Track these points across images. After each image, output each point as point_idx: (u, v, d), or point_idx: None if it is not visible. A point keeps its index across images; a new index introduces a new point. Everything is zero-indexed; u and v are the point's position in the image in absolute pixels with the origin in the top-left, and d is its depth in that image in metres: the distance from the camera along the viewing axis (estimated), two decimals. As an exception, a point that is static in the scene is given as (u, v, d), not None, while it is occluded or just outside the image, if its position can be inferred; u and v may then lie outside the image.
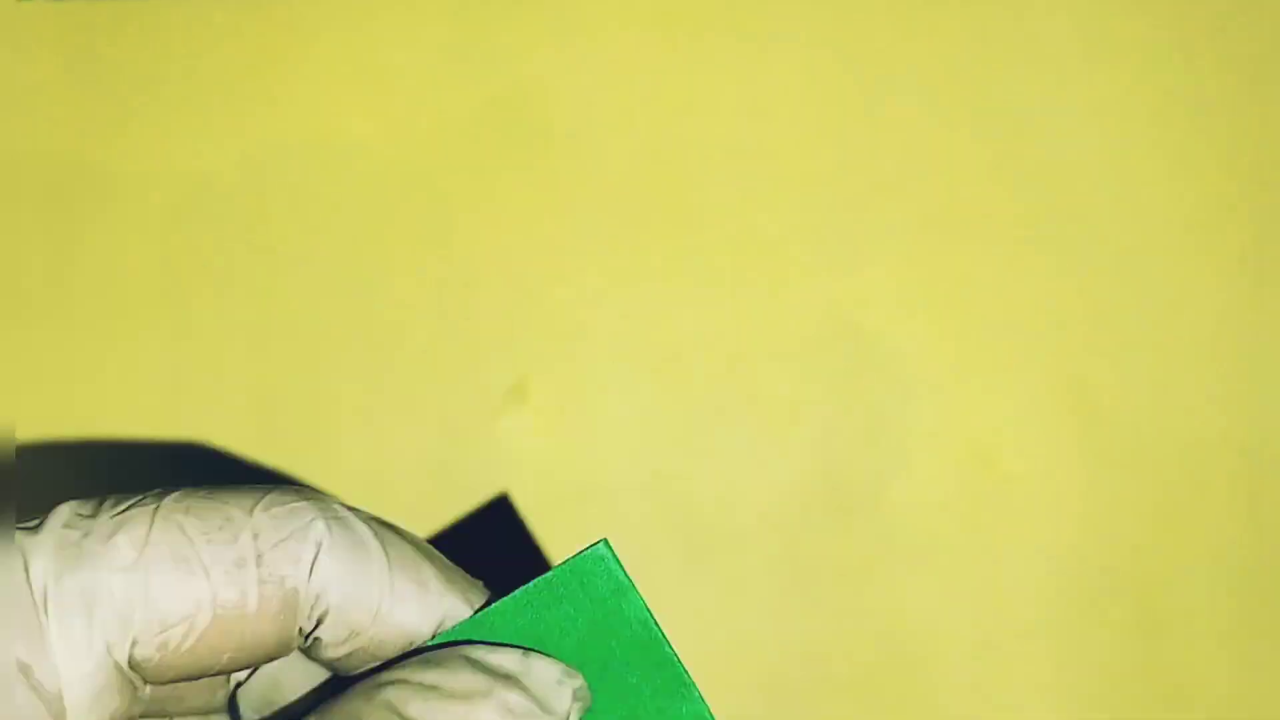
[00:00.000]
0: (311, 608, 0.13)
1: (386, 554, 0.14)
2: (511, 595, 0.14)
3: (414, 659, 0.14)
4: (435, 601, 0.14)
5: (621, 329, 0.26)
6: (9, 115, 0.26)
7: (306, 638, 0.14)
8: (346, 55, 0.27)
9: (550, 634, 0.14)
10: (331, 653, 0.14)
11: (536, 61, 0.26)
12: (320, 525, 0.13)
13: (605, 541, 0.14)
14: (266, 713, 0.15)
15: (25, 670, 0.12)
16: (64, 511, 0.13)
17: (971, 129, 0.27)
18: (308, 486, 0.14)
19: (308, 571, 0.13)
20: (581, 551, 0.14)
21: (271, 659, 0.14)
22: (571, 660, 0.14)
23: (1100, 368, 0.26)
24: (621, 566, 0.14)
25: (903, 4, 0.27)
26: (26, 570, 0.12)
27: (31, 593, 0.12)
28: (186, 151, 0.26)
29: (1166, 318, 0.26)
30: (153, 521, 0.13)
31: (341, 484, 0.25)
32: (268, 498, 0.14)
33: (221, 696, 0.15)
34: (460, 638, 0.14)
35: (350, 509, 0.14)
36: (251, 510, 0.13)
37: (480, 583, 0.15)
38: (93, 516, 0.13)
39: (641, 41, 0.27)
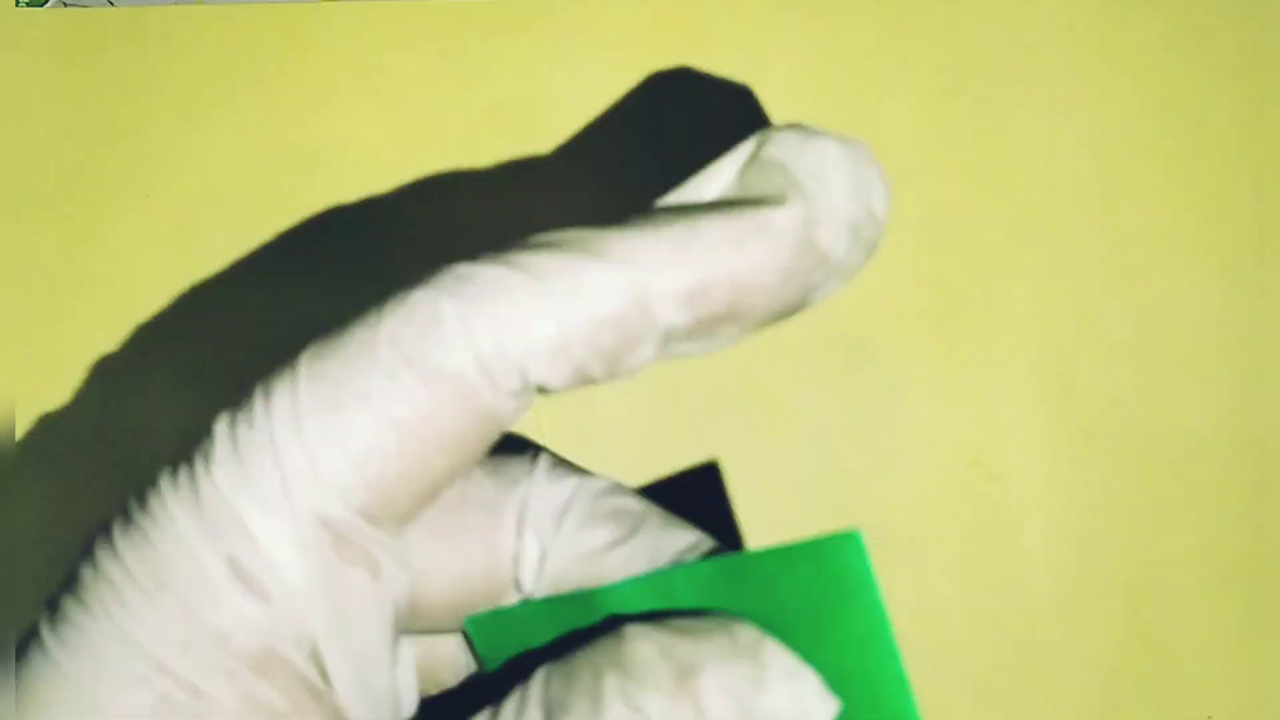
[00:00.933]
0: (503, 373, 0.12)
1: (524, 270, 0.13)
2: (743, 554, 0.13)
3: (674, 619, 0.13)
4: (601, 276, 0.13)
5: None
6: (19, 121, 0.27)
7: (541, 391, 0.13)
8: (351, 65, 0.27)
9: (769, 605, 0.13)
10: (575, 385, 0.13)
11: (537, 72, 0.27)
12: (446, 302, 0.13)
13: (858, 532, 0.12)
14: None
15: (244, 574, 0.12)
16: (222, 422, 0.13)
17: (962, 132, 0.27)
18: (418, 279, 0.13)
19: (465, 348, 0.12)
20: (830, 534, 0.13)
21: (494, 439, 0.13)
22: (785, 640, 0.13)
23: (1089, 369, 0.26)
24: (869, 559, 0.13)
25: (894, 12, 0.27)
26: (216, 486, 0.12)
27: (227, 503, 0.12)
28: (195, 158, 0.27)
29: (1155, 320, 0.26)
30: (296, 384, 0.13)
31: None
32: (388, 304, 0.13)
33: (509, 603, 0.15)
34: (683, 581, 0.13)
35: (467, 262, 0.13)
36: (377, 323, 0.13)
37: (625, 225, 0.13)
38: (247, 413, 0.13)
39: (638, 50, 0.27)
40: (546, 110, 0.27)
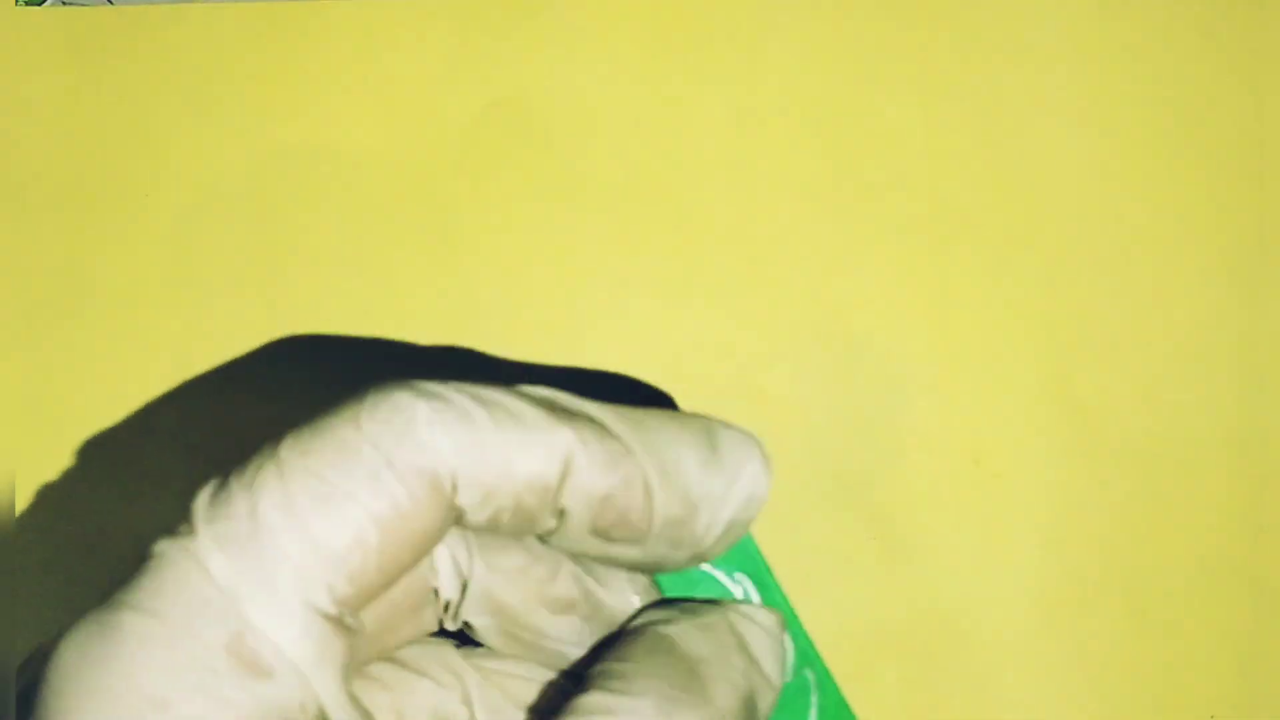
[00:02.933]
0: (448, 480, 0.14)
1: (487, 411, 0.14)
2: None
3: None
4: (548, 438, 0.14)
5: (619, 330, 0.26)
6: (17, 120, 0.27)
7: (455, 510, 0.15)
8: (351, 64, 0.27)
9: None
10: (478, 517, 0.14)
11: (536, 69, 0.27)
12: (423, 407, 0.14)
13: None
14: (511, 637, 0.16)
15: (245, 656, 0.13)
16: (201, 506, 0.14)
17: (961, 131, 0.27)
18: (389, 378, 0.15)
19: (432, 451, 0.14)
20: None
21: (440, 538, 0.14)
22: None
23: (1088, 367, 0.26)
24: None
25: (892, 12, 0.27)
26: (208, 573, 0.13)
27: (220, 590, 0.13)
28: (195, 156, 0.27)
29: (1154, 318, 0.27)
30: (284, 478, 0.13)
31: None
32: (367, 403, 0.14)
33: (430, 617, 0.16)
34: None
35: (440, 384, 0.14)
36: (359, 424, 0.14)
37: (592, 404, 0.15)
38: (228, 500, 0.14)
39: (638, 49, 0.27)
40: (545, 108, 0.27)
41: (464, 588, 0.16)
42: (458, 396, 0.14)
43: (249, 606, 0.13)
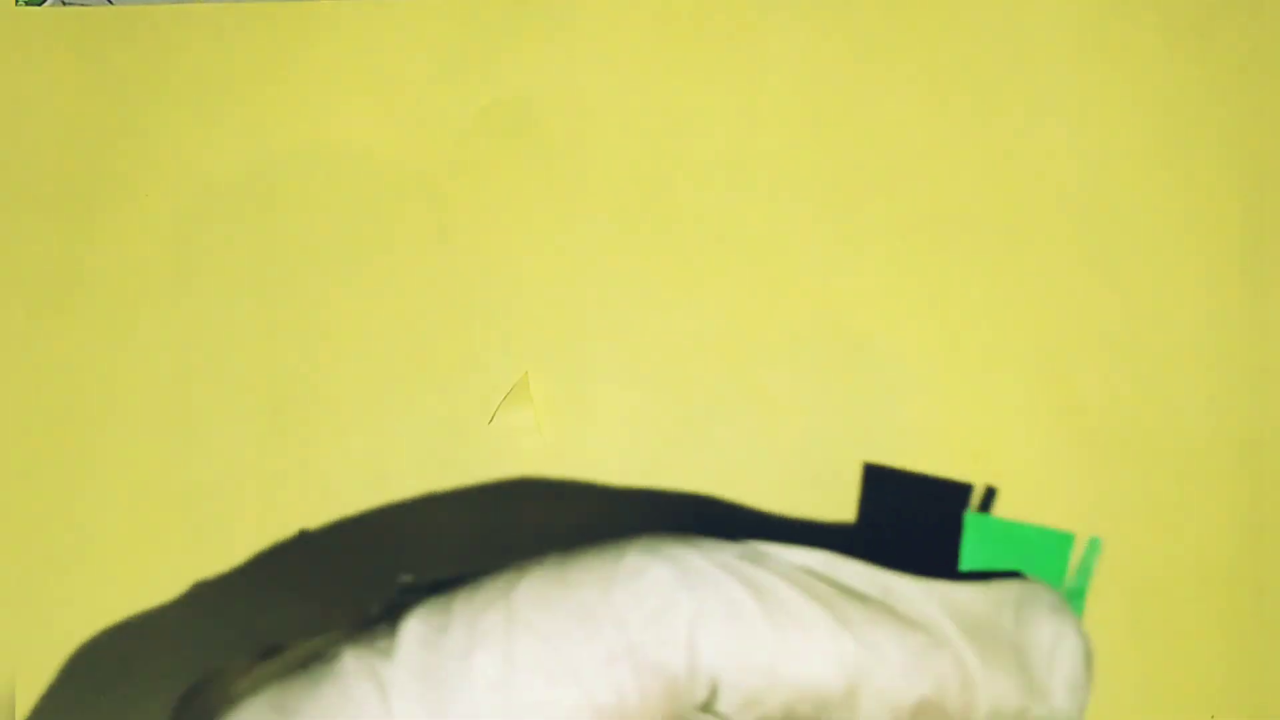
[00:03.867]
0: (700, 685, 0.12)
1: (763, 608, 0.12)
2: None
3: None
4: (831, 647, 0.12)
5: (619, 330, 0.26)
6: (17, 121, 0.27)
7: (704, 708, 0.12)
8: (351, 63, 0.27)
9: None
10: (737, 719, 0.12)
11: (536, 68, 0.27)
12: (686, 598, 0.12)
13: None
14: None
15: None
16: (414, 630, 0.12)
17: (961, 131, 0.27)
18: (651, 539, 0.13)
19: (685, 651, 0.12)
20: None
21: None
22: None
23: (1089, 367, 0.26)
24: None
25: (893, 12, 0.27)
26: (389, 707, 0.11)
27: None
28: (195, 156, 0.27)
29: (1155, 318, 0.27)
30: (509, 630, 0.12)
31: (346, 481, 0.26)
32: (622, 571, 0.12)
33: None
34: None
35: (704, 552, 0.13)
36: (609, 594, 0.12)
37: (892, 575, 0.13)
38: (445, 630, 0.12)
39: (638, 49, 0.27)
40: (545, 108, 0.27)
41: None
42: (727, 581, 0.12)
43: None
